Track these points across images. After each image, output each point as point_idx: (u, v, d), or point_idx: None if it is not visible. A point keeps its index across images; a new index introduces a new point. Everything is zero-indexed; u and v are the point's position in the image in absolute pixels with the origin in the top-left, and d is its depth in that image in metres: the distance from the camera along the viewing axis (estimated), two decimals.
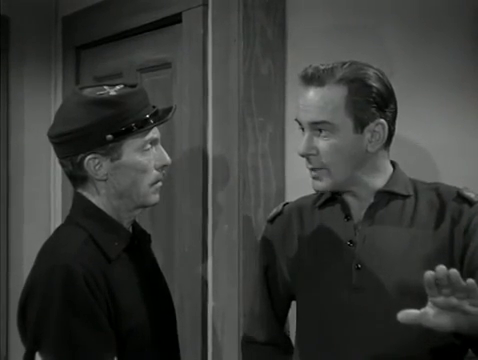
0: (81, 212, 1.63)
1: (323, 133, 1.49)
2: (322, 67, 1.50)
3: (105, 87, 1.61)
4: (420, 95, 1.89)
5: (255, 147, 2.08)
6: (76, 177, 1.61)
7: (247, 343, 1.78)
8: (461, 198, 1.51)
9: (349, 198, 1.57)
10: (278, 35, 2.09)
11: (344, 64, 1.51)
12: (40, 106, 3.11)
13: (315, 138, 1.51)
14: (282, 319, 1.75)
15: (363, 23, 1.97)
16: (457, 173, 1.79)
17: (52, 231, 1.70)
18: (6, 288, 3.05)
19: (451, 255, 1.48)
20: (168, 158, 1.65)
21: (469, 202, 1.50)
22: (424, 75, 1.90)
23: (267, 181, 2.10)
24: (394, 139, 1.57)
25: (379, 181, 1.55)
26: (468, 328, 1.31)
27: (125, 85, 1.63)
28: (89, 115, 1.54)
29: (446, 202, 1.52)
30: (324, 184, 1.53)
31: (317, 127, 1.50)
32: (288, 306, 1.74)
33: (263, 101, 2.09)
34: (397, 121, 1.56)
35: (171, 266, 2.38)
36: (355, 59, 1.54)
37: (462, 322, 1.29)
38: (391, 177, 1.56)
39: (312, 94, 1.49)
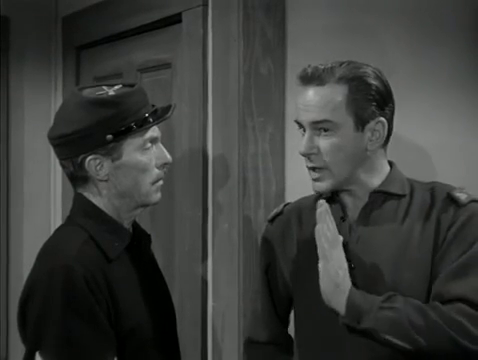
0: (81, 212, 1.63)
1: (324, 132, 1.50)
2: (321, 67, 1.51)
3: (104, 87, 1.62)
4: (419, 94, 1.89)
5: (255, 147, 2.08)
6: (77, 178, 1.61)
7: (249, 343, 1.78)
8: (450, 199, 1.51)
9: (346, 198, 1.57)
10: (278, 35, 2.09)
11: (342, 63, 1.51)
12: (40, 106, 3.10)
13: (316, 137, 1.51)
14: (284, 319, 1.75)
15: (363, 23, 1.97)
16: (455, 173, 1.79)
17: (52, 231, 1.71)
18: (6, 288, 3.05)
19: (435, 253, 1.48)
20: (169, 156, 1.65)
21: (457, 203, 1.50)
22: (423, 75, 1.90)
23: (267, 181, 2.09)
24: (393, 138, 1.57)
25: (375, 180, 1.56)
26: None
27: (124, 85, 1.64)
28: (89, 116, 1.55)
29: (436, 202, 1.52)
30: (325, 185, 1.53)
31: (318, 126, 1.50)
32: (289, 306, 1.74)
33: (263, 101, 2.08)
34: (396, 120, 1.56)
35: (171, 266, 2.38)
36: (355, 59, 1.54)
37: None
38: (387, 177, 1.56)
39: (312, 93, 1.50)
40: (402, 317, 1.38)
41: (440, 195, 1.53)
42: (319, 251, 1.45)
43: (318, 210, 1.46)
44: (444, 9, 1.87)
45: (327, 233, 1.44)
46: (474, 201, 1.51)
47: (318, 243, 1.45)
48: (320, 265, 1.44)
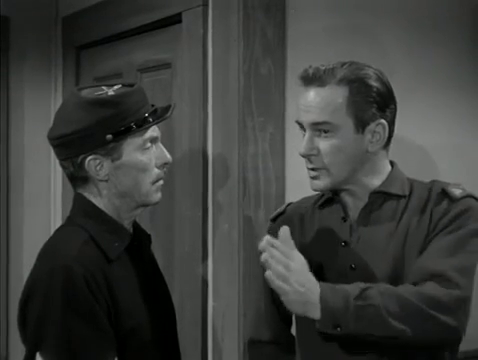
0: (81, 212, 1.63)
1: (324, 133, 1.50)
2: (323, 67, 1.50)
3: (103, 87, 1.62)
4: (419, 95, 1.90)
5: (255, 147, 2.08)
6: (77, 178, 1.61)
7: (252, 343, 1.78)
8: (444, 194, 1.51)
9: (347, 198, 1.58)
10: (278, 35, 2.09)
11: (344, 64, 1.51)
12: (40, 106, 3.10)
13: (316, 138, 1.51)
14: (286, 318, 1.74)
15: (363, 23, 1.97)
16: (455, 172, 1.79)
17: (52, 231, 1.70)
18: (6, 288, 3.05)
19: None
20: (169, 156, 1.65)
21: (450, 198, 1.50)
22: (423, 75, 1.90)
23: (267, 181, 2.10)
24: (393, 139, 1.57)
25: (376, 181, 1.56)
26: None
27: (123, 85, 1.63)
28: (88, 116, 1.55)
29: (431, 198, 1.53)
30: (323, 183, 1.53)
31: (318, 128, 1.50)
32: None
33: (263, 101, 2.09)
34: (396, 121, 1.56)
35: (171, 266, 2.38)
36: (355, 59, 1.54)
37: None
38: (388, 177, 1.56)
39: (313, 94, 1.50)
40: (380, 310, 1.35)
41: (435, 191, 1.53)
42: (275, 288, 1.37)
43: (264, 255, 1.37)
44: (443, 10, 1.88)
45: (278, 268, 1.35)
46: (469, 196, 1.51)
47: (270, 281, 1.36)
48: (282, 299, 1.38)
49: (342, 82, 1.48)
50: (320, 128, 1.50)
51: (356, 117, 1.49)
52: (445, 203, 1.50)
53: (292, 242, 1.39)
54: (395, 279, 1.48)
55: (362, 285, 1.39)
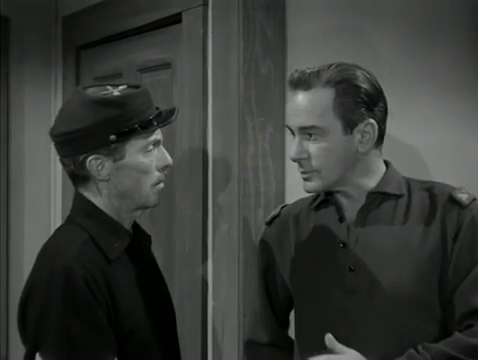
0: (81, 212, 1.63)
1: (313, 137, 1.49)
2: (308, 71, 1.50)
3: (108, 87, 1.61)
4: (419, 95, 1.89)
5: (255, 147, 2.08)
6: (77, 177, 1.61)
7: (250, 344, 1.77)
8: (452, 201, 1.50)
9: (342, 199, 1.57)
10: (278, 35, 2.09)
11: (331, 66, 1.50)
12: (40, 106, 3.10)
13: (305, 142, 1.51)
14: (283, 320, 1.74)
15: (363, 24, 1.97)
16: (454, 173, 1.79)
17: (52, 231, 1.70)
18: (6, 288, 3.05)
19: (444, 259, 1.47)
20: (170, 159, 1.65)
21: (460, 205, 1.49)
22: (423, 75, 1.90)
23: (267, 181, 2.09)
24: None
25: (371, 182, 1.55)
26: None
27: (128, 85, 1.63)
28: (93, 115, 1.54)
29: (438, 204, 1.51)
30: (315, 185, 1.53)
31: (307, 131, 1.50)
32: (289, 307, 1.73)
33: (263, 101, 2.08)
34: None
35: (171, 266, 2.38)
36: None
37: None
38: (383, 177, 1.55)
39: (300, 98, 1.49)
40: None
41: (441, 196, 1.52)
42: None
43: None
44: (442, 11, 1.88)
45: None
46: (475, 200, 1.51)
47: None
48: None
49: (328, 84, 1.48)
50: (309, 132, 1.49)
51: (344, 118, 1.48)
52: (455, 212, 1.49)
53: (337, 342, 1.40)
54: (394, 281, 1.48)
55: (414, 356, 1.39)
